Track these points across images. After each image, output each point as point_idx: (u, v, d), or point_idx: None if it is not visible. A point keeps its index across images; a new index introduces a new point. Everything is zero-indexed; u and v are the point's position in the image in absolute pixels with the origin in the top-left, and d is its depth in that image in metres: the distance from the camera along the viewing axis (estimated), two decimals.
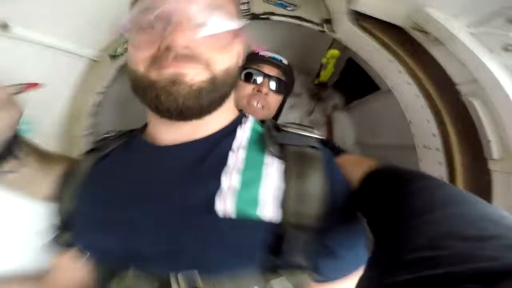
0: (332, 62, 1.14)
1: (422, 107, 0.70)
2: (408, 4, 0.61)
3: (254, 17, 0.87)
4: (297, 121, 1.51)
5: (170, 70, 0.36)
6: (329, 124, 1.47)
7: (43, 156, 0.53)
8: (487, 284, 0.18)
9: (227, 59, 0.42)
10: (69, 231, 0.46)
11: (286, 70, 0.91)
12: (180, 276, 0.35)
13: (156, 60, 0.37)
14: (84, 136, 0.98)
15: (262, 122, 0.56)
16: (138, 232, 0.39)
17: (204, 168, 0.41)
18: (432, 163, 0.71)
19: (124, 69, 0.97)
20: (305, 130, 0.47)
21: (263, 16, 0.87)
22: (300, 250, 0.37)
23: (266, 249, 0.37)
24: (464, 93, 0.63)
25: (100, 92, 1.00)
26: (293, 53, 1.09)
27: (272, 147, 0.43)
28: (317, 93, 1.44)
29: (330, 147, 0.78)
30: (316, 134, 0.47)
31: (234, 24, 0.41)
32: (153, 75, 0.37)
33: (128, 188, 0.43)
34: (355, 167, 0.45)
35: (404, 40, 0.69)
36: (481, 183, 0.62)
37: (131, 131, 0.56)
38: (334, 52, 1.09)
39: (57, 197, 0.50)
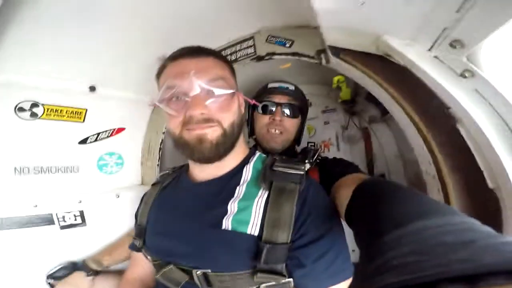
0: (343, 84, 1.12)
1: (416, 133, 0.67)
2: (369, 35, 0.61)
3: (259, 58, 1.00)
4: (332, 137, 1.51)
5: (196, 132, 0.57)
6: (366, 138, 1.40)
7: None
8: (468, 283, 0.20)
9: (230, 116, 0.61)
10: (141, 238, 0.71)
11: (295, 94, 0.98)
12: (198, 271, 0.56)
13: (185, 124, 0.57)
14: (156, 165, 1.28)
15: (271, 154, 0.70)
16: (178, 240, 0.61)
17: (219, 198, 0.61)
18: (433, 190, 0.67)
19: None
20: (292, 168, 0.61)
21: (267, 58, 0.99)
22: (275, 260, 0.52)
23: (251, 256, 0.53)
24: (456, 119, 0.58)
25: (163, 132, 1.32)
26: (319, 71, 1.08)
27: (263, 183, 0.59)
28: (350, 108, 1.40)
29: (332, 166, 0.80)
30: (301, 171, 0.60)
31: (231, 89, 0.60)
32: (185, 135, 0.58)
33: (174, 212, 0.67)
34: (350, 186, 0.54)
35: (384, 67, 0.68)
36: (482, 211, 0.55)
37: (181, 166, 0.81)
38: (340, 77, 1.08)
39: (135, 218, 0.78)
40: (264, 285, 0.53)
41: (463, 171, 0.58)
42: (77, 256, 0.95)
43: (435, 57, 0.54)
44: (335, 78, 1.11)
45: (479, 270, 0.21)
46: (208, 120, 0.57)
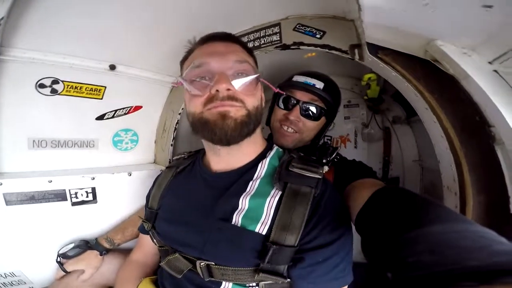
0: (373, 82, 1.05)
1: (447, 149, 0.63)
2: (421, 37, 0.55)
3: (285, 47, 0.93)
4: (351, 133, 1.46)
5: (218, 109, 0.54)
6: (387, 138, 1.34)
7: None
8: (481, 281, 0.21)
9: (255, 100, 0.60)
10: (151, 222, 0.72)
11: (323, 94, 0.85)
12: (202, 262, 0.56)
13: (207, 103, 0.55)
14: (170, 145, 1.25)
15: (289, 151, 0.69)
16: (187, 229, 0.62)
17: (232, 191, 0.60)
18: (450, 206, 0.64)
19: None
20: (309, 171, 0.59)
21: (293, 47, 0.92)
22: (279, 261, 0.52)
23: (256, 254, 0.54)
24: (497, 139, 0.53)
25: (179, 113, 1.29)
26: (346, 63, 1.00)
27: (278, 183, 0.58)
28: (375, 105, 1.33)
29: (350, 168, 0.77)
30: (318, 175, 0.58)
31: (255, 74, 0.59)
32: (206, 114, 0.56)
33: (187, 201, 0.67)
34: (365, 190, 0.54)
35: (428, 73, 0.62)
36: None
37: (197, 151, 0.80)
38: (372, 75, 1.01)
39: (146, 200, 0.78)
40: (263, 283, 0.54)
41: (487, 193, 0.55)
42: (86, 233, 0.98)
43: (495, 71, 0.48)
44: (366, 76, 1.04)
45: (492, 268, 0.22)
46: (232, 98, 0.55)
